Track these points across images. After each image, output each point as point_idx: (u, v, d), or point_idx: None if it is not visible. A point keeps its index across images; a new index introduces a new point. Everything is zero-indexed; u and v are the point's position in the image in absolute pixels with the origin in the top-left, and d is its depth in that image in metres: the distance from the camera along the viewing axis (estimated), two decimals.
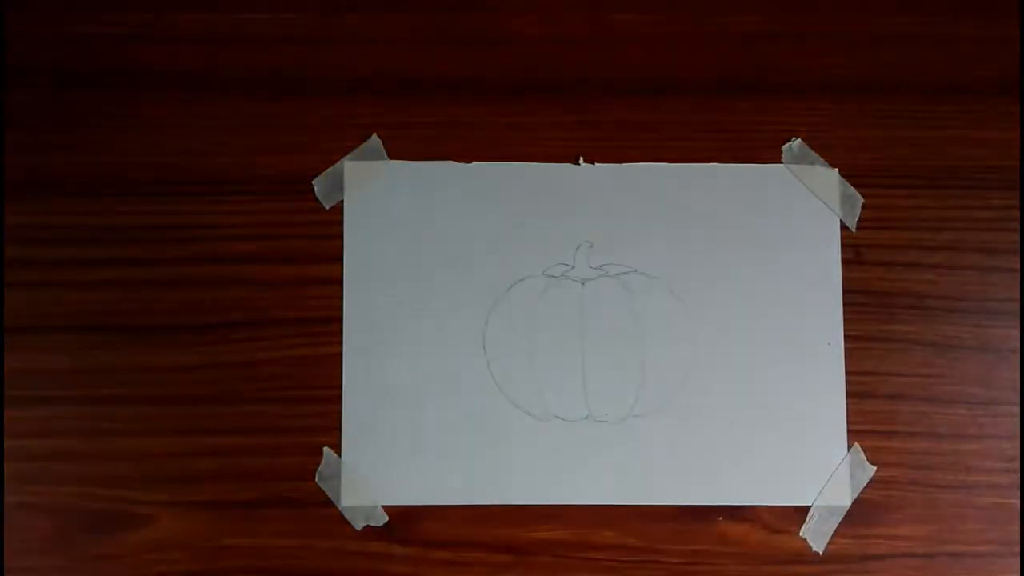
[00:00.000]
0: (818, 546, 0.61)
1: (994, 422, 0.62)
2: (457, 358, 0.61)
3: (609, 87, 0.64)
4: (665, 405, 0.61)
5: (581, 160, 0.63)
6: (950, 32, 0.65)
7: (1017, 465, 0.62)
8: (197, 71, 0.63)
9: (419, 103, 0.63)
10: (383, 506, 0.61)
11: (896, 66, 0.64)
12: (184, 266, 0.62)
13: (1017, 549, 0.61)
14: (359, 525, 0.61)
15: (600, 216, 0.63)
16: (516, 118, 0.63)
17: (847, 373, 0.62)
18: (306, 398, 0.61)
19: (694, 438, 0.61)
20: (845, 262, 0.63)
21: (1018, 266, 0.63)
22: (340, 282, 0.62)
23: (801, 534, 0.61)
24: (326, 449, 0.61)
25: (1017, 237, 0.63)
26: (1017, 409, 0.62)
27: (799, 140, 0.63)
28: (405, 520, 0.61)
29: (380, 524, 0.61)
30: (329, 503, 0.61)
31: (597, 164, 0.63)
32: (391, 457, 0.61)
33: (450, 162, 0.63)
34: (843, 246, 0.63)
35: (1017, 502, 0.61)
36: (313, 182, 0.62)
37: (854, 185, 0.63)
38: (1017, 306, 0.63)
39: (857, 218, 0.63)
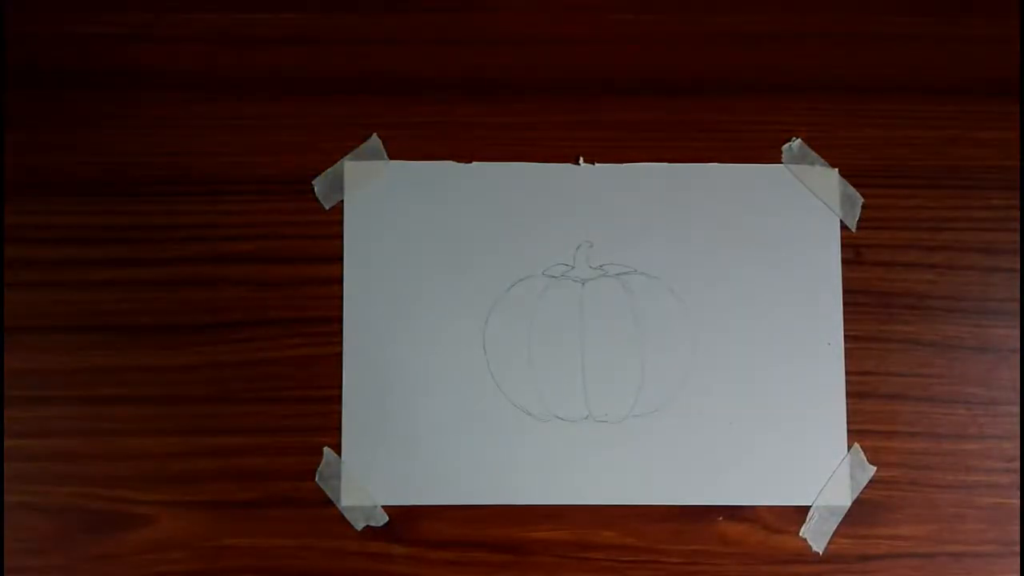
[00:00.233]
0: (818, 546, 0.61)
1: (994, 422, 0.62)
2: (457, 358, 0.61)
3: (609, 87, 0.64)
4: (665, 405, 0.61)
5: (581, 160, 0.63)
6: (950, 32, 0.65)
7: (1017, 465, 0.62)
8: (197, 71, 0.63)
9: (419, 103, 0.63)
10: (383, 506, 0.61)
11: (896, 66, 0.64)
12: (184, 266, 0.62)
13: (1017, 549, 0.61)
14: (359, 525, 0.61)
15: (600, 216, 0.63)
16: (516, 118, 0.63)
17: (847, 373, 0.62)
18: (306, 398, 0.61)
19: (694, 438, 0.61)
20: (845, 262, 0.63)
21: (1018, 266, 0.63)
22: (340, 282, 0.62)
23: (801, 534, 0.61)
24: (326, 449, 0.61)
25: (1017, 237, 0.63)
26: (1017, 409, 0.62)
27: (799, 140, 0.63)
28: (405, 520, 0.61)
29: (380, 524, 0.61)
30: (329, 503, 0.61)
31: (597, 164, 0.63)
32: (391, 457, 0.61)
33: (450, 162, 0.63)
34: (843, 246, 0.63)
35: (1017, 502, 0.61)
36: (313, 182, 0.62)
37: (854, 185, 0.63)
38: (1017, 306, 0.63)
39: (857, 218, 0.63)
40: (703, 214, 0.63)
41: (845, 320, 0.62)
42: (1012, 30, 0.64)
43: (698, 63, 0.64)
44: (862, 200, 0.63)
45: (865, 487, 0.61)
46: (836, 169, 0.63)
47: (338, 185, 0.62)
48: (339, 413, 0.61)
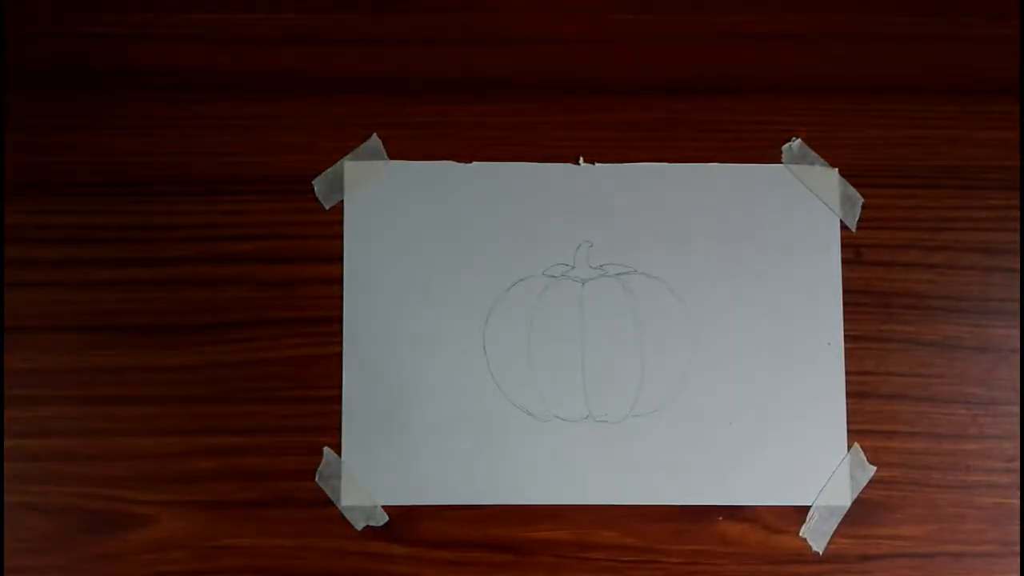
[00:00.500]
0: (818, 546, 0.61)
1: (994, 422, 0.62)
2: (457, 358, 0.61)
3: (609, 87, 0.64)
4: (665, 405, 0.61)
5: (581, 160, 0.63)
6: (950, 32, 0.65)
7: (1017, 465, 0.62)
8: (197, 71, 0.63)
9: (419, 103, 0.63)
10: (383, 506, 0.61)
11: (896, 66, 0.64)
12: (184, 266, 0.62)
13: (1017, 549, 0.61)
14: (359, 525, 0.61)
15: (600, 216, 0.63)
16: (516, 118, 0.63)
17: (847, 373, 0.62)
18: (306, 398, 0.61)
19: (694, 438, 0.61)
20: (845, 262, 0.63)
21: (1018, 266, 0.63)
22: (340, 282, 0.62)
23: (801, 534, 0.61)
24: (326, 449, 0.61)
25: (1017, 237, 0.63)
26: (1017, 409, 0.62)
27: (799, 140, 0.63)
28: (405, 520, 0.61)
29: (380, 524, 0.61)
30: (329, 503, 0.61)
31: (597, 164, 0.63)
32: (391, 457, 0.61)
33: (450, 162, 0.63)
34: (843, 246, 0.63)
35: (1017, 502, 0.61)
36: (313, 182, 0.62)
37: (854, 185, 0.63)
38: (1017, 306, 0.63)
39: (857, 218, 0.63)
40: (703, 214, 0.63)
41: (845, 320, 0.62)
42: (1012, 30, 0.64)
43: (698, 63, 0.64)
44: (862, 200, 0.63)
45: (865, 487, 0.61)
46: (836, 169, 0.63)
47: (338, 185, 0.62)
48: (339, 413, 0.61)
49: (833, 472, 0.61)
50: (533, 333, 0.62)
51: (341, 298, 0.62)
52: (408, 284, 0.62)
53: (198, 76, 0.63)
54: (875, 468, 0.61)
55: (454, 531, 0.61)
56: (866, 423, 0.61)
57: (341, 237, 0.62)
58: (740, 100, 0.64)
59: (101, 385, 0.61)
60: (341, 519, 0.61)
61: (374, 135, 0.63)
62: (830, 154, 0.63)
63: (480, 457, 0.61)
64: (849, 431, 0.61)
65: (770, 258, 0.62)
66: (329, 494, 0.60)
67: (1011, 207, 0.63)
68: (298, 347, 0.61)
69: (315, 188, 0.62)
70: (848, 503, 0.61)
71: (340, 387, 0.61)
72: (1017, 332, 0.62)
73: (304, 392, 0.61)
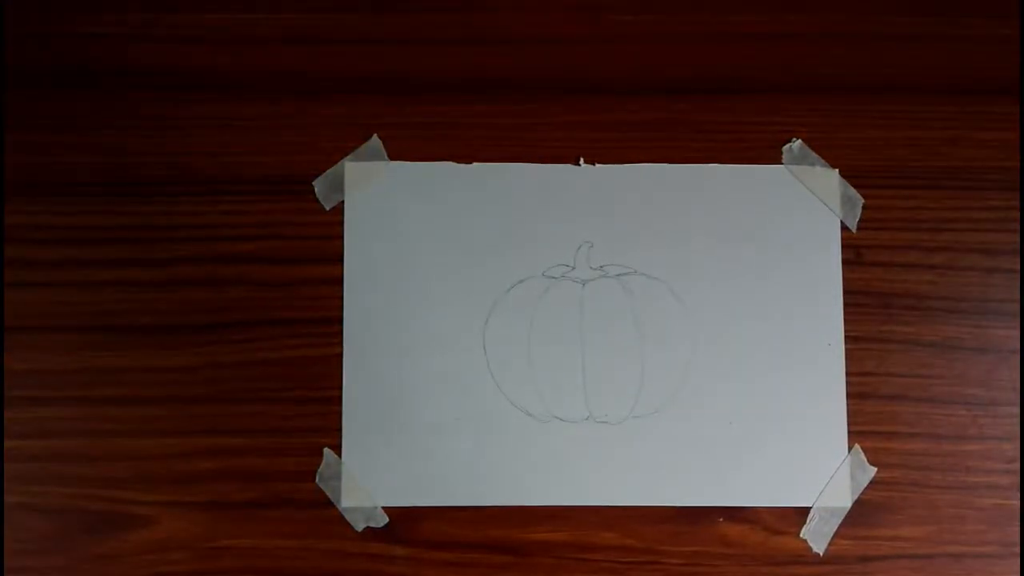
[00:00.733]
0: (818, 547, 0.61)
1: (994, 423, 0.62)
2: (457, 358, 0.61)
3: (609, 87, 0.64)
4: (665, 405, 0.61)
5: (581, 160, 0.63)
6: (950, 32, 0.65)
7: (1017, 466, 0.62)
8: (197, 71, 0.63)
9: (419, 103, 0.63)
10: (383, 507, 0.61)
11: (896, 66, 0.64)
12: (184, 266, 0.62)
13: (1017, 550, 0.61)
14: (359, 526, 0.61)
15: (600, 216, 0.63)
16: (516, 118, 0.63)
17: (847, 374, 0.62)
18: (306, 398, 0.61)
19: (694, 438, 0.61)
20: (845, 262, 0.63)
21: (1018, 266, 0.63)
22: (340, 282, 0.62)
23: (801, 535, 0.61)
24: (326, 450, 0.61)
25: (1017, 237, 0.63)
26: (1017, 410, 0.62)
27: (799, 140, 0.63)
28: (405, 521, 0.61)
29: (380, 525, 0.61)
30: (329, 504, 0.61)
31: (597, 164, 0.63)
32: (391, 457, 0.61)
33: (450, 162, 0.63)
34: (843, 246, 0.63)
35: (1017, 503, 0.61)
36: (313, 182, 0.62)
37: (854, 186, 0.63)
38: (1017, 306, 0.63)
39: (857, 219, 0.63)
40: (703, 214, 0.63)
41: (845, 321, 0.62)
42: (1012, 30, 0.64)
43: (698, 63, 0.64)
44: (862, 201, 0.63)
45: (865, 488, 0.61)
46: (836, 170, 0.63)
47: (338, 185, 0.62)
48: (339, 413, 0.61)
49: (833, 473, 0.61)
50: (533, 334, 0.62)
51: (341, 298, 0.62)
52: (408, 284, 0.62)
53: (198, 76, 0.63)
54: (875, 469, 0.61)
55: (454, 532, 0.61)
56: (866, 424, 0.61)
57: (341, 237, 0.62)
58: (740, 100, 0.64)
59: (101, 385, 0.61)
60: (341, 520, 0.61)
61: (374, 135, 0.63)
62: (830, 155, 0.63)
63: (480, 457, 0.61)
64: (849, 432, 0.61)
65: (770, 259, 0.62)
66: (329, 495, 0.60)
67: (1011, 208, 0.63)
68: (298, 347, 0.61)
69: (315, 188, 0.62)
70: (848, 504, 0.61)
71: (340, 387, 0.61)
72: (1017, 333, 0.62)
73: (304, 392, 0.61)
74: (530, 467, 0.61)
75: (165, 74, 0.63)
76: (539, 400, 0.61)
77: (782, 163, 0.63)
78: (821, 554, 0.61)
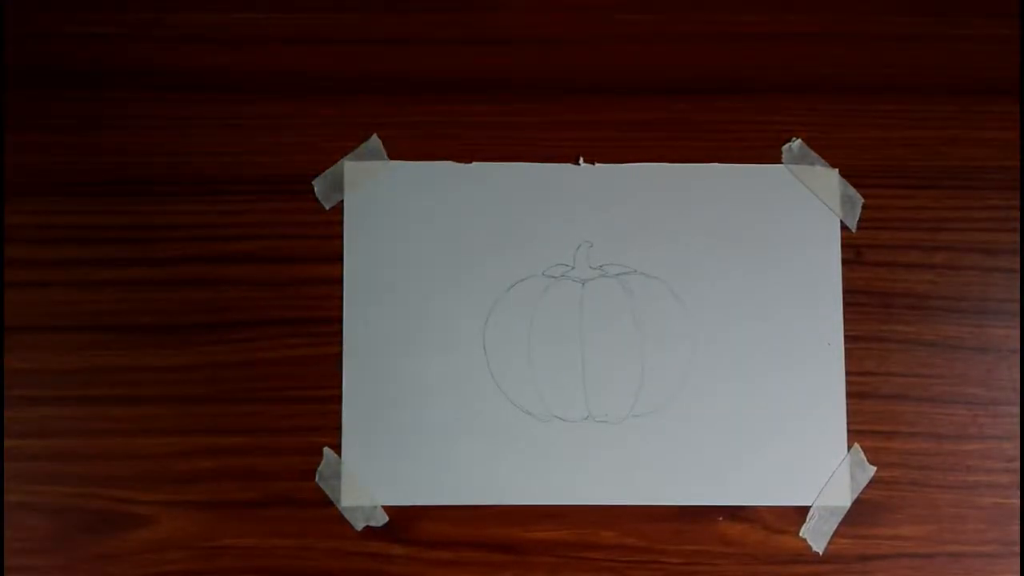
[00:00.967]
0: (818, 546, 0.61)
1: (994, 422, 0.62)
2: (457, 358, 0.61)
3: (609, 87, 0.64)
4: (665, 405, 0.61)
5: (581, 160, 0.63)
6: (950, 32, 0.65)
7: (1017, 465, 0.62)
8: (197, 71, 0.63)
9: (419, 103, 0.63)
10: (383, 506, 0.61)
11: (896, 66, 0.64)
12: (184, 266, 0.62)
13: (1017, 549, 0.61)
14: (359, 525, 0.61)
15: (600, 216, 0.63)
16: (516, 118, 0.63)
17: (847, 373, 0.62)
18: (306, 398, 0.61)
19: (694, 438, 0.61)
20: (845, 262, 0.63)
21: (1018, 266, 0.63)
22: (340, 282, 0.62)
23: (801, 534, 0.61)
24: (326, 449, 0.61)
25: (1017, 237, 0.63)
26: (1017, 409, 0.62)
27: (799, 140, 0.63)
28: (405, 520, 0.61)
29: (380, 524, 0.61)
30: (329, 503, 0.61)
31: (597, 164, 0.63)
32: (391, 457, 0.61)
33: (450, 162, 0.63)
34: (843, 246, 0.63)
35: (1017, 502, 0.61)
36: (313, 182, 0.62)
37: (854, 185, 0.63)
38: (1017, 306, 0.63)
39: (857, 218, 0.63)
40: (703, 214, 0.63)
41: (845, 320, 0.62)
42: (1012, 30, 0.64)
43: (698, 63, 0.64)
44: (862, 200, 0.63)
45: (865, 487, 0.61)
46: (836, 169, 0.63)
47: (338, 185, 0.62)
48: (339, 413, 0.61)
49: (833, 472, 0.61)
50: (533, 333, 0.62)
51: (341, 298, 0.62)
52: (408, 284, 0.62)
53: (198, 76, 0.63)
54: (875, 468, 0.61)
55: (454, 531, 0.61)
56: (866, 423, 0.61)
57: (341, 237, 0.62)
58: (740, 100, 0.64)
59: (101, 385, 0.61)
60: (341, 519, 0.61)
61: (374, 135, 0.63)
62: (830, 154, 0.63)
63: (480, 457, 0.61)
64: (849, 431, 0.61)
65: (770, 258, 0.62)
66: (329, 494, 0.60)
67: (1011, 207, 0.63)
68: (298, 347, 0.61)
69: (315, 188, 0.62)
70: (848, 503, 0.61)
71: (340, 386, 0.61)
72: (1017, 332, 0.62)
73: (304, 392, 0.61)
74: (530, 466, 0.61)
75: (165, 74, 0.63)
76: (539, 399, 0.61)
77: (782, 163, 0.63)
78: (821, 553, 0.61)
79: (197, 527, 0.60)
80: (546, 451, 0.61)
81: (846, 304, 0.62)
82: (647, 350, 0.62)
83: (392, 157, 0.63)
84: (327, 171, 0.63)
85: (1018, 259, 0.63)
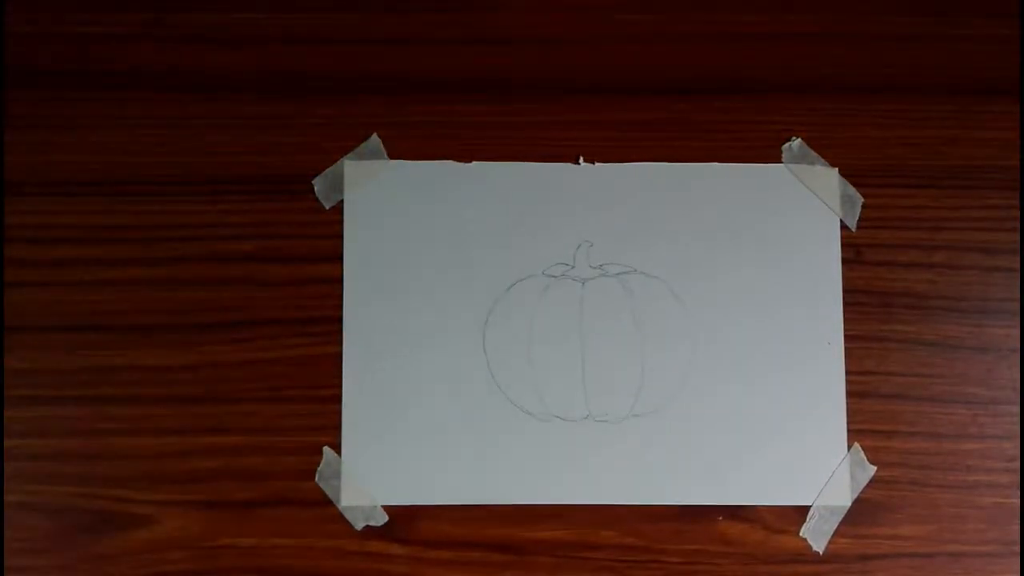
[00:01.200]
0: (818, 546, 0.61)
1: (994, 422, 0.62)
2: (457, 358, 0.61)
3: (609, 87, 0.64)
4: (665, 405, 0.61)
5: (581, 160, 0.63)
6: (950, 32, 0.65)
7: (1017, 465, 0.62)
8: (197, 71, 0.63)
9: (419, 103, 0.63)
10: (383, 506, 0.61)
11: (896, 66, 0.64)
12: (184, 266, 0.62)
13: (1017, 549, 0.61)
14: (359, 525, 0.60)
15: (600, 215, 0.63)
16: (516, 118, 0.63)
17: (847, 373, 0.62)
18: (306, 398, 0.61)
19: (694, 438, 0.61)
20: (845, 262, 0.63)
21: (1018, 265, 0.63)
22: (340, 282, 0.62)
23: (801, 534, 0.61)
24: (326, 449, 0.61)
25: (1017, 237, 0.63)
26: (1017, 409, 0.62)
27: (799, 140, 0.63)
28: (405, 520, 0.61)
29: (380, 524, 0.61)
30: (329, 503, 0.61)
31: (597, 164, 0.63)
32: (391, 457, 0.61)
33: (450, 162, 0.63)
34: (843, 246, 0.63)
35: (1017, 502, 0.61)
36: (313, 182, 0.62)
37: (854, 185, 0.63)
38: (1017, 306, 0.63)
39: (857, 218, 0.63)
40: (703, 214, 0.63)
41: (845, 320, 0.62)
42: (1012, 30, 0.65)
43: (698, 63, 0.64)
44: (862, 200, 0.63)
45: (865, 487, 0.61)
46: (836, 169, 0.63)
47: (338, 185, 0.62)
48: (339, 413, 0.61)
49: (833, 472, 0.61)
50: (533, 333, 0.62)
51: (341, 298, 0.62)
52: (408, 284, 0.62)
53: (198, 76, 0.63)
54: (875, 468, 0.61)
55: (454, 531, 0.61)
56: (866, 423, 0.61)
57: (341, 237, 0.62)
58: (740, 100, 0.64)
59: (101, 385, 0.61)
60: (341, 519, 0.60)
61: (374, 135, 0.63)
62: (830, 154, 0.63)
63: (480, 457, 0.61)
64: (849, 431, 0.61)
65: (770, 258, 0.62)
66: (329, 494, 0.60)
67: (1011, 207, 0.63)
68: (298, 346, 0.61)
69: (315, 188, 0.62)
70: (848, 503, 0.61)
71: (340, 386, 0.61)
72: (1017, 332, 0.62)
73: (304, 392, 0.61)
74: (530, 466, 0.61)
75: (165, 74, 0.63)
76: (539, 399, 0.61)
77: (782, 162, 0.63)
78: (821, 553, 0.61)
79: (197, 527, 0.60)
80: (546, 451, 0.61)
81: (846, 304, 0.62)
82: (647, 350, 0.62)
83: (392, 157, 0.63)
84: (327, 171, 0.63)
85: (1018, 259, 0.63)
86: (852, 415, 0.61)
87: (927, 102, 0.64)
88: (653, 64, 0.64)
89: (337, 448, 0.61)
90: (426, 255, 0.62)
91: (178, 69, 0.63)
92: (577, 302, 0.62)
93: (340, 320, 0.61)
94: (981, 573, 0.61)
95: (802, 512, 0.61)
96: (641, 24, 0.64)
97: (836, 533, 0.61)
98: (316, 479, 0.61)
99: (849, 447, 0.61)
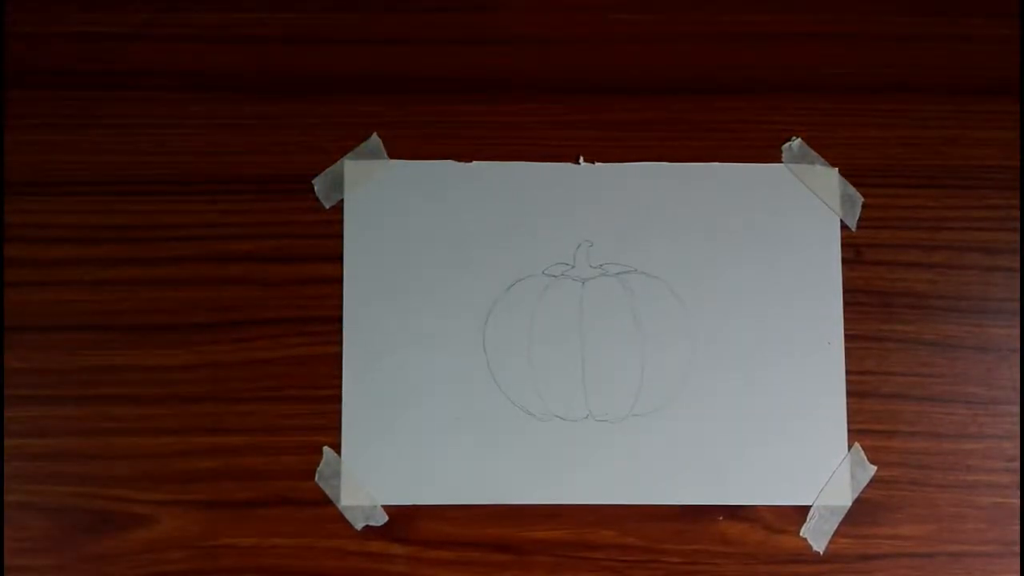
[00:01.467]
0: (819, 546, 0.61)
1: (994, 422, 0.62)
2: (457, 358, 0.61)
3: (609, 87, 0.64)
4: (665, 405, 0.61)
5: (581, 160, 0.63)
6: (950, 32, 0.65)
7: (1017, 465, 0.62)
8: (197, 71, 0.63)
9: (419, 103, 0.63)
10: (383, 506, 0.61)
11: (896, 66, 0.64)
12: (184, 266, 0.62)
13: (1017, 549, 0.61)
14: (359, 525, 0.60)
15: (600, 216, 0.63)
16: (516, 118, 0.63)
17: (847, 372, 0.62)
18: (306, 398, 0.61)
19: (694, 438, 0.61)
20: (845, 262, 0.63)
21: (1018, 265, 0.63)
22: (340, 282, 0.62)
23: (801, 534, 0.61)
24: (326, 448, 0.61)
25: (1017, 237, 0.63)
26: (1017, 409, 0.62)
27: (799, 140, 0.63)
28: (405, 520, 0.61)
29: (380, 524, 0.61)
30: (329, 503, 0.60)
31: (597, 164, 0.63)
32: (391, 457, 0.61)
33: (450, 162, 0.63)
34: (843, 246, 0.63)
35: (1017, 502, 0.61)
36: (313, 181, 0.62)
37: (854, 185, 0.63)
38: (1017, 306, 0.63)
39: (857, 218, 0.63)
40: (703, 214, 0.63)
41: (845, 320, 0.62)
42: (1012, 30, 0.65)
43: (698, 63, 0.64)
44: (862, 200, 0.63)
45: (865, 487, 0.61)
46: (836, 169, 0.63)
47: (338, 185, 0.62)
48: (339, 413, 0.61)
49: (833, 472, 0.61)
50: (533, 333, 0.62)
51: (341, 298, 0.62)
52: (408, 284, 0.62)
53: (198, 76, 0.63)
54: (875, 468, 0.61)
55: (453, 531, 0.61)
56: (866, 423, 0.61)
57: (341, 237, 0.62)
58: (740, 100, 0.64)
59: (100, 385, 0.61)
60: (341, 519, 0.60)
61: (374, 135, 0.63)
62: (830, 153, 0.63)
63: (480, 456, 0.61)
64: (849, 431, 0.61)
65: (770, 258, 0.62)
66: (329, 494, 0.60)
67: (1011, 207, 0.63)
68: (298, 346, 0.61)
69: (315, 187, 0.62)
70: (849, 503, 0.61)
71: (340, 386, 0.61)
72: (1017, 332, 0.62)
73: (304, 392, 0.61)
74: (530, 466, 0.61)
75: (165, 74, 0.63)
76: (539, 399, 0.61)
77: (782, 162, 0.63)
78: (821, 553, 0.61)
79: (197, 527, 0.60)
80: (546, 451, 0.61)
81: (846, 303, 0.62)
82: (647, 349, 0.62)
83: (392, 157, 0.63)
84: (327, 171, 0.63)
85: (1018, 258, 0.63)
86: (852, 415, 0.61)
87: (927, 102, 0.64)
88: (653, 64, 0.64)
89: (337, 448, 0.61)
90: (426, 255, 0.62)
91: (178, 69, 0.63)
92: (577, 302, 0.62)
93: (340, 320, 0.61)
94: (981, 573, 0.61)
95: (802, 512, 0.61)
96: (641, 24, 0.64)
97: (836, 533, 0.61)
98: (316, 479, 0.61)
99: (849, 447, 0.61)
